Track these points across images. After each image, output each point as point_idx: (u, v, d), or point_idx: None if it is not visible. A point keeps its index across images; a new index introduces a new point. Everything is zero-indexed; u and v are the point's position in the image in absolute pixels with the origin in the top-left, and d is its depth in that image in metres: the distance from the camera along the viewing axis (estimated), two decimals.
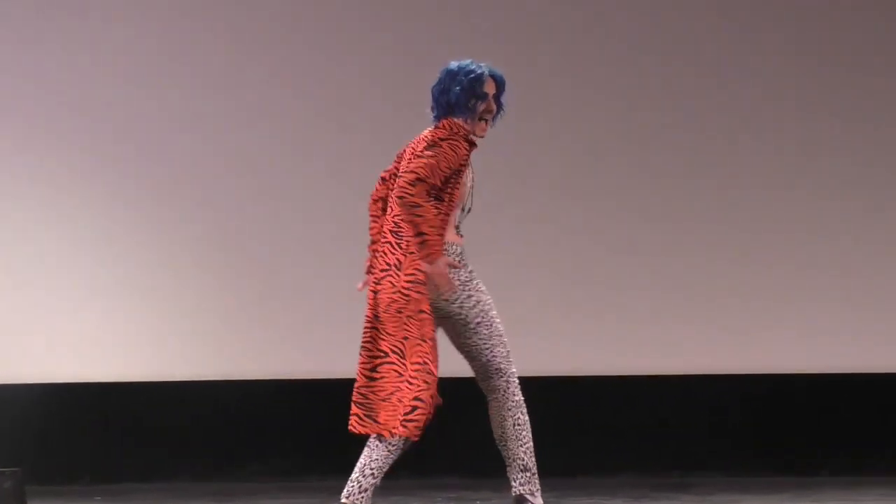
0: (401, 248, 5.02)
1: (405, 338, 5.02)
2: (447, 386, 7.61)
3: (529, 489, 5.10)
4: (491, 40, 7.88)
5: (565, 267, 7.95)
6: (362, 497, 5.06)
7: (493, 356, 5.08)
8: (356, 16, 8.07)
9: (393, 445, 5.05)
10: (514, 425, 5.09)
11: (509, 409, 5.10)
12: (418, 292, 4.97)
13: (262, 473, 7.92)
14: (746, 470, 7.82)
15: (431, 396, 4.97)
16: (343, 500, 5.07)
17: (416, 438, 5.01)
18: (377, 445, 5.08)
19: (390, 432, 5.02)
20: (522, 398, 5.11)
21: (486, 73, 5.10)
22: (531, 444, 5.10)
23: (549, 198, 7.97)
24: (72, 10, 8.01)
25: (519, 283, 7.74)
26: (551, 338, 7.82)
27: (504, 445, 5.11)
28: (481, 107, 5.08)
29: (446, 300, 5.02)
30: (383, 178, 5.23)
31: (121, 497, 7.50)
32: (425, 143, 5.02)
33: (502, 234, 7.79)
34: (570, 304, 7.94)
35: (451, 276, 4.98)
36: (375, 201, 5.23)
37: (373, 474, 5.06)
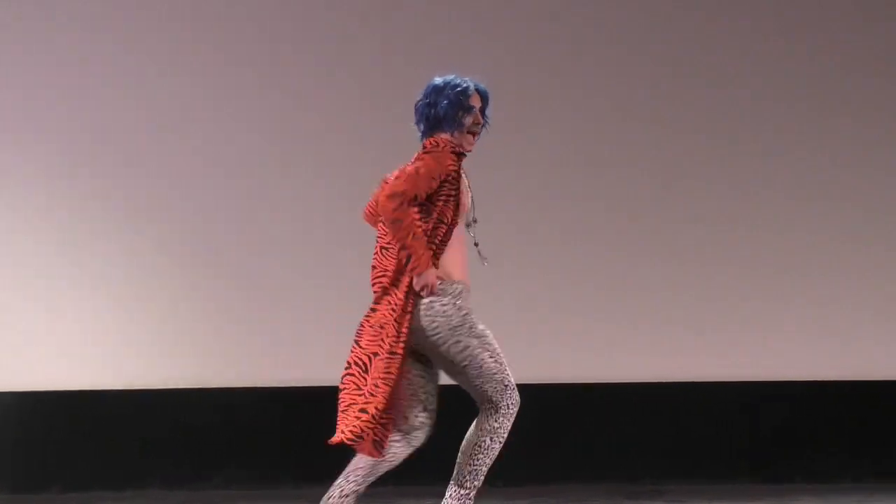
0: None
1: (375, 353, 5.04)
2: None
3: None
4: (494, 47, 7.94)
5: (540, 272, 7.94)
6: (342, 501, 5.07)
7: (483, 391, 5.10)
8: (338, 16, 8.06)
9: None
10: (475, 444, 5.10)
11: (483, 431, 5.10)
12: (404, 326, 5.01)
13: (235, 481, 7.87)
14: (719, 477, 7.83)
15: (376, 409, 4.99)
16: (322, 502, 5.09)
17: (365, 452, 5.02)
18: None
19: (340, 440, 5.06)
20: (503, 427, 5.10)
21: (472, 86, 5.17)
22: (482, 467, 5.11)
23: (541, 201, 8.00)
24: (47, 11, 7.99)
25: (498, 287, 7.71)
26: (522, 345, 7.81)
27: (461, 454, 5.15)
28: (469, 120, 5.13)
29: (434, 342, 5.04)
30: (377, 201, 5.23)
31: None
32: (411, 162, 5.06)
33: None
34: (540, 312, 7.93)
35: (442, 308, 5.01)
36: (373, 214, 5.29)
37: (356, 481, 5.09)
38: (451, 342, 5.05)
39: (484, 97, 5.19)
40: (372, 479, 5.10)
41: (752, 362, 7.90)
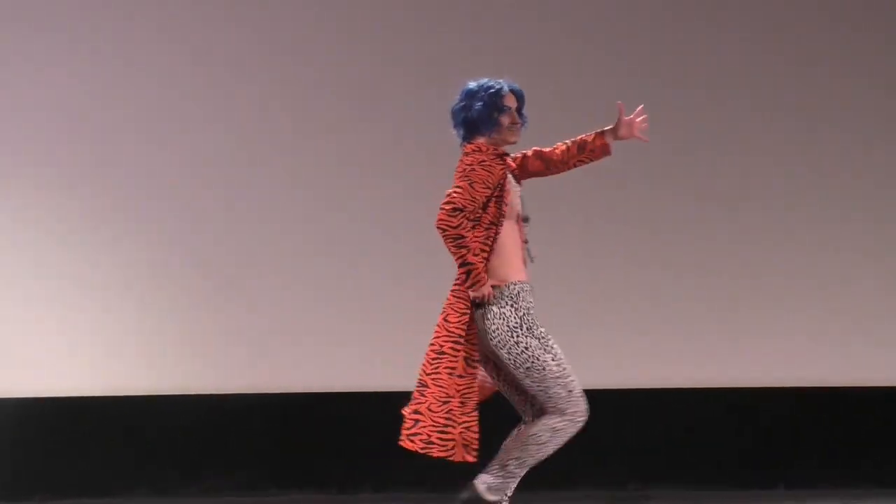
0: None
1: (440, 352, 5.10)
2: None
3: (486, 479, 5.14)
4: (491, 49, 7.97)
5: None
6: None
7: (549, 397, 5.12)
8: (308, 15, 8.04)
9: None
10: (531, 435, 5.14)
11: (543, 425, 5.13)
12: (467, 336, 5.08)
13: (221, 488, 7.83)
14: (704, 483, 7.85)
15: (428, 409, 5.06)
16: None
17: (457, 459, 5.09)
18: None
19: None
20: (565, 429, 5.15)
21: (506, 87, 5.22)
22: (528, 459, 5.14)
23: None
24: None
25: None
26: None
27: (512, 438, 5.19)
28: (506, 120, 5.19)
29: (496, 345, 5.09)
30: None
31: None
32: (458, 173, 5.10)
33: None
34: None
35: (499, 310, 5.06)
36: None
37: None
38: (510, 344, 5.08)
39: (519, 97, 5.25)
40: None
41: (735, 369, 7.93)
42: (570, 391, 5.11)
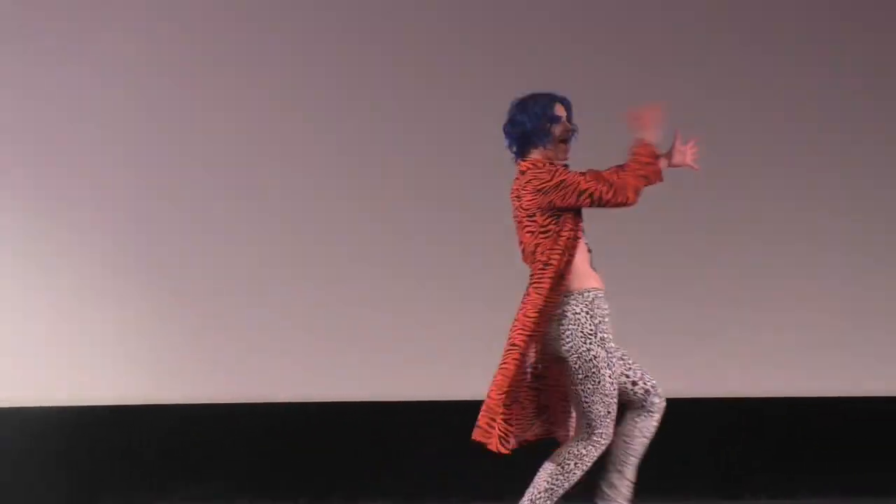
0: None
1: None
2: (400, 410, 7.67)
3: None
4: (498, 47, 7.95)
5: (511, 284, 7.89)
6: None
7: (589, 411, 5.19)
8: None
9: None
10: (560, 463, 5.21)
11: (569, 453, 5.22)
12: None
13: (191, 499, 7.70)
14: (684, 491, 7.82)
15: (490, 396, 5.17)
16: None
17: (492, 448, 5.18)
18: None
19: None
20: (589, 455, 5.20)
21: (555, 97, 5.30)
22: (558, 490, 5.22)
23: None
24: None
25: (480, 295, 7.67)
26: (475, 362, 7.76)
27: (543, 469, 5.26)
28: (558, 129, 5.27)
29: (567, 349, 5.18)
30: None
31: None
32: (537, 185, 5.18)
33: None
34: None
35: (574, 316, 5.17)
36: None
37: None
38: (582, 350, 5.16)
39: (567, 106, 5.33)
40: (634, 459, 5.30)
41: (713, 380, 7.92)
42: (609, 412, 5.20)
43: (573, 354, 5.16)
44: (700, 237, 8.03)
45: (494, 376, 5.16)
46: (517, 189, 5.25)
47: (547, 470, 5.23)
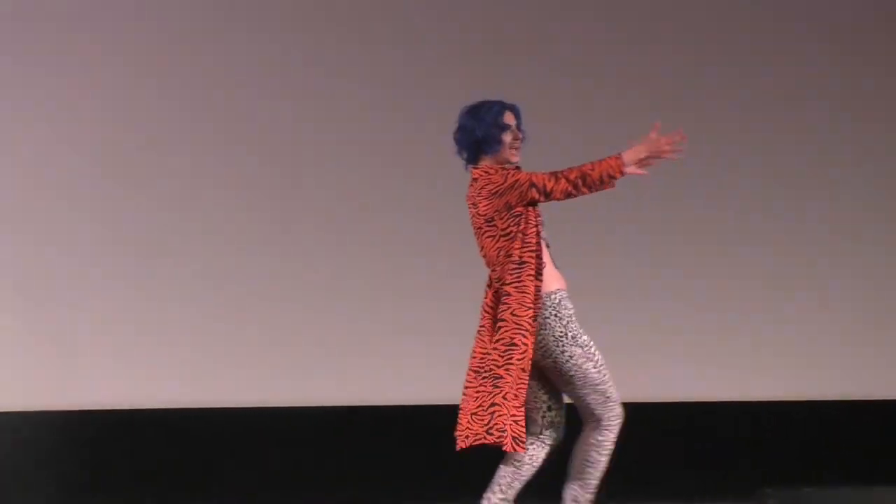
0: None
1: (485, 352, 5.30)
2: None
3: None
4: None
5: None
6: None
7: (587, 404, 5.30)
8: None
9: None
10: (584, 459, 5.34)
11: (588, 444, 5.33)
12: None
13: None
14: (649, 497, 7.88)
15: (504, 399, 5.22)
16: None
17: (508, 448, 5.23)
18: None
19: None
20: (607, 440, 5.32)
21: (503, 105, 5.37)
22: (593, 481, 5.34)
23: None
24: None
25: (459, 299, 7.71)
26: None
27: (569, 470, 5.38)
28: (508, 137, 5.33)
29: (542, 354, 5.27)
30: None
31: None
32: (491, 189, 5.25)
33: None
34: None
35: (543, 321, 5.25)
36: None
37: (502, 490, 5.33)
38: (556, 353, 5.25)
39: (516, 113, 5.40)
40: (518, 485, 5.31)
41: (681, 384, 8.01)
42: (608, 397, 5.29)
43: (549, 359, 5.26)
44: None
45: (500, 377, 5.20)
46: (472, 196, 5.32)
47: (577, 468, 5.35)
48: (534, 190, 5.20)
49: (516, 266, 5.23)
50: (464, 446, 5.24)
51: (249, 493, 7.77)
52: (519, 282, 5.23)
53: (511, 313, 5.22)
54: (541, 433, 5.35)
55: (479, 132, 5.29)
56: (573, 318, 5.30)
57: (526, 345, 5.20)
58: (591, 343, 5.29)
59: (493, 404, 5.19)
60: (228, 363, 7.80)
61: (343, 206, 7.96)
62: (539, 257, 5.25)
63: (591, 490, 5.36)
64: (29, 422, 7.67)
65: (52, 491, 7.65)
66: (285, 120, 7.95)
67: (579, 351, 5.26)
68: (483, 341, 5.29)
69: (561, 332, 5.26)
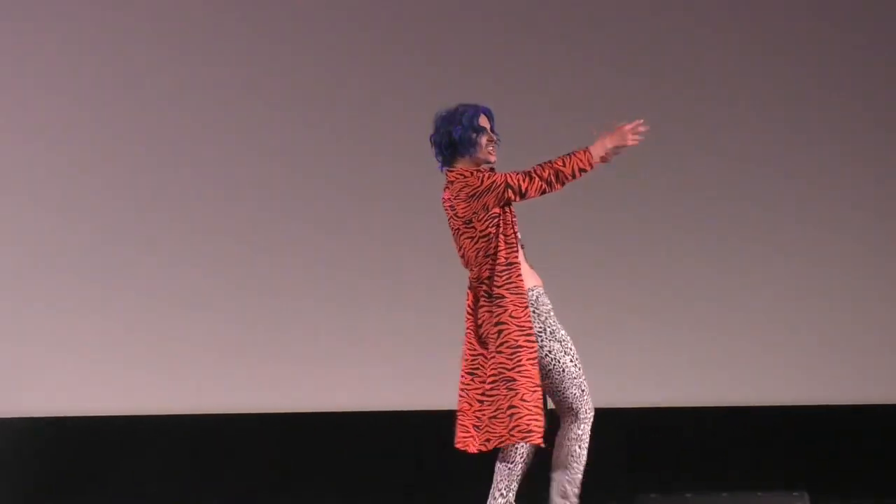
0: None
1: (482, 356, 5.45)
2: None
3: None
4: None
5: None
6: None
7: (565, 397, 5.44)
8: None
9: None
10: (568, 454, 5.45)
11: (570, 440, 5.45)
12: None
13: None
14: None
15: (522, 399, 5.34)
16: None
17: (537, 443, 5.36)
18: None
19: None
20: (585, 433, 5.46)
21: (478, 109, 5.50)
22: (578, 475, 5.46)
23: None
24: None
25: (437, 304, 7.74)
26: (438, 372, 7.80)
27: (554, 468, 5.48)
28: (483, 139, 5.45)
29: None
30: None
31: None
32: (468, 191, 5.36)
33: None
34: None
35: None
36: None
37: (503, 493, 5.44)
38: (535, 349, 5.36)
39: (490, 116, 5.52)
40: (515, 486, 5.43)
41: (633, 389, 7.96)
42: (583, 390, 5.44)
43: None
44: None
45: (513, 379, 5.30)
46: (449, 198, 5.43)
47: (562, 466, 5.45)
48: (510, 191, 5.31)
49: (504, 268, 5.36)
50: (485, 449, 5.38)
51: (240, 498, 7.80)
52: (511, 283, 5.36)
53: (509, 315, 5.34)
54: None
55: (456, 135, 5.41)
56: (551, 314, 5.44)
57: (531, 343, 5.32)
58: (568, 338, 5.45)
59: (511, 406, 5.32)
60: (206, 368, 7.86)
61: (338, 209, 7.99)
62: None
63: (578, 484, 5.46)
64: None
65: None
66: (271, 128, 7.99)
67: (558, 346, 5.41)
68: (472, 344, 5.43)
69: (540, 327, 5.40)
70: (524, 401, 5.29)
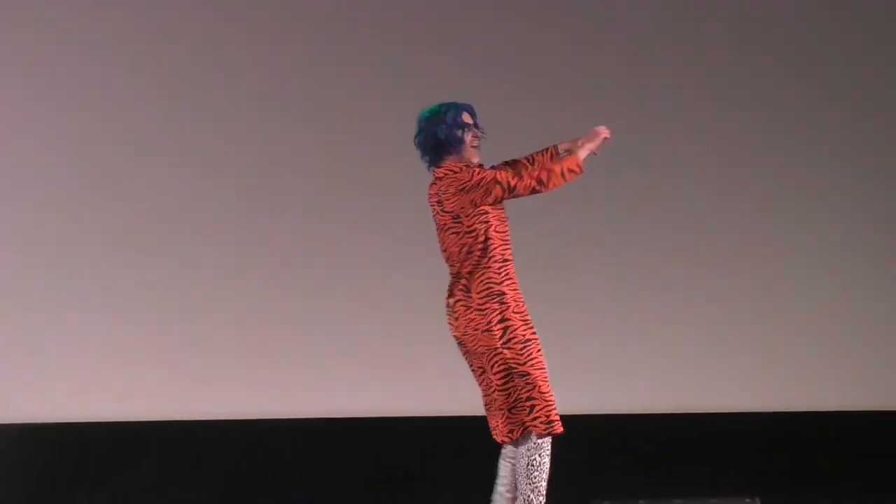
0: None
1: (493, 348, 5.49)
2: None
3: None
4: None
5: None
6: None
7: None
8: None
9: None
10: (528, 465, 5.48)
11: (520, 447, 5.51)
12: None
13: None
14: None
15: (540, 392, 5.47)
16: None
17: (560, 431, 5.50)
18: None
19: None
20: (546, 440, 5.47)
21: (461, 106, 5.57)
22: (539, 484, 5.45)
23: None
24: None
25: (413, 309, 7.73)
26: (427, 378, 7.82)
27: (517, 480, 5.51)
28: (468, 136, 5.52)
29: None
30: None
31: None
32: (457, 186, 5.42)
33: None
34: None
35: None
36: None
37: (507, 487, 5.58)
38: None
39: (472, 113, 5.58)
40: (514, 480, 5.52)
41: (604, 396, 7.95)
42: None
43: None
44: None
45: (527, 374, 5.40)
46: (436, 194, 5.49)
47: (519, 472, 5.50)
48: (498, 187, 5.37)
49: (501, 265, 5.44)
50: (508, 440, 5.48)
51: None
52: (509, 279, 5.45)
53: (513, 311, 5.42)
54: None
55: (442, 134, 5.47)
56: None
57: (535, 334, 5.44)
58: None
59: (529, 398, 5.41)
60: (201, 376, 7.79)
61: (332, 213, 7.95)
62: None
63: (543, 496, 5.48)
64: None
65: None
66: (263, 131, 7.93)
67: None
68: (458, 340, 5.51)
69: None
70: (541, 392, 5.40)
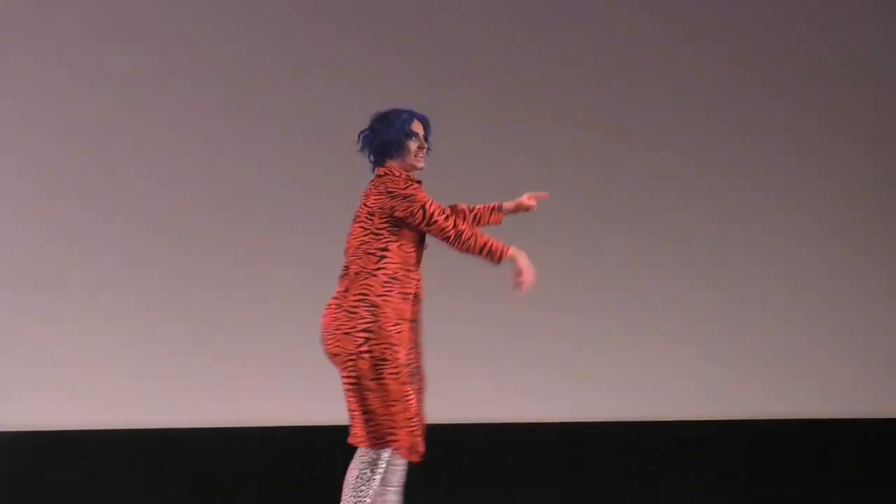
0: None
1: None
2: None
3: None
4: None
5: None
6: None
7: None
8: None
9: None
10: (357, 476, 5.42)
11: (356, 459, 5.45)
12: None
13: None
14: None
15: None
16: None
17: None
18: None
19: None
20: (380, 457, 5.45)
21: (413, 114, 5.59)
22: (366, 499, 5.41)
23: None
24: None
25: None
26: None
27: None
28: (413, 145, 5.54)
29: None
30: None
31: None
32: (390, 192, 5.42)
33: None
34: None
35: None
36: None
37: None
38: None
39: (425, 124, 5.61)
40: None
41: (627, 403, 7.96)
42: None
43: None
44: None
45: (371, 390, 5.35)
46: (369, 191, 5.50)
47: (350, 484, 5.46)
48: (421, 213, 5.37)
49: (389, 281, 5.40)
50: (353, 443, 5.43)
51: None
52: (392, 300, 5.39)
53: (382, 328, 5.38)
54: None
55: (386, 136, 5.50)
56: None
57: (398, 361, 5.39)
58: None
59: (369, 411, 5.36)
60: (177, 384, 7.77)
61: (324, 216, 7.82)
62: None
63: None
64: None
65: None
66: (243, 132, 7.93)
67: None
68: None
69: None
70: (385, 412, 5.35)
